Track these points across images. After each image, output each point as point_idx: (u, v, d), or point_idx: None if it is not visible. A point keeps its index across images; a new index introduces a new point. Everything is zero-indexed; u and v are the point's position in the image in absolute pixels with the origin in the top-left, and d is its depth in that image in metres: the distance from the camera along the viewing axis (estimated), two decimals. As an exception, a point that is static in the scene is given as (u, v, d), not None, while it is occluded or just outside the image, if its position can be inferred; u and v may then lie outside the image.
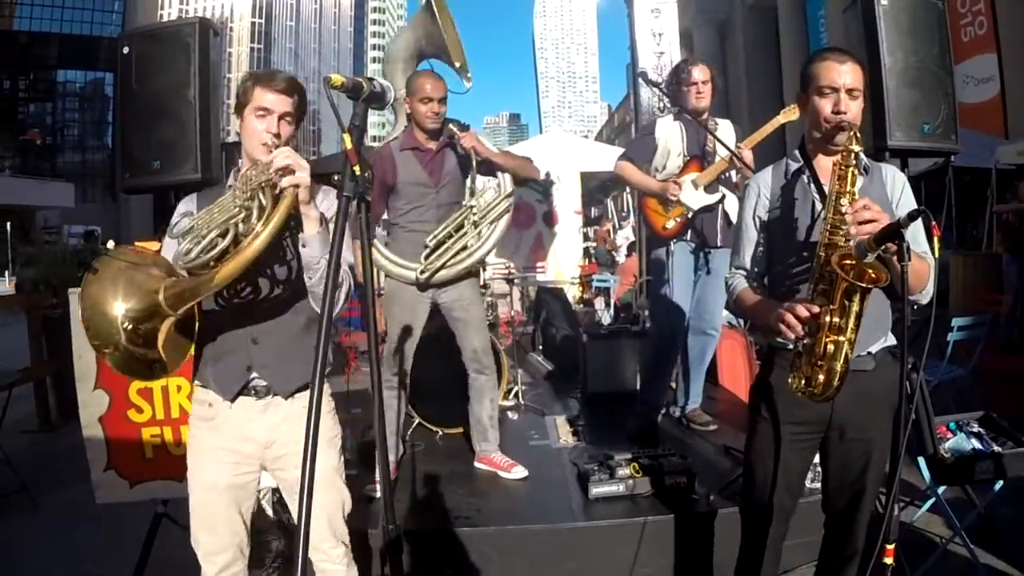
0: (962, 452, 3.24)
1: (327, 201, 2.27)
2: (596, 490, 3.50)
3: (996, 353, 6.31)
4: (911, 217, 1.93)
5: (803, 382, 2.17)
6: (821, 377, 2.11)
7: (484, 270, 7.72)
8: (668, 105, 4.48)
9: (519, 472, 3.86)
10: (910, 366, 2.12)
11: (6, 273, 25.80)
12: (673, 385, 4.98)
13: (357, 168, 1.71)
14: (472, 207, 3.70)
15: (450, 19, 4.42)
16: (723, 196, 4.33)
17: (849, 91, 2.26)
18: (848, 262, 2.01)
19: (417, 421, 4.62)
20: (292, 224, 2.21)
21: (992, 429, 3.40)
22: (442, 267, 3.66)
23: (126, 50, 3.74)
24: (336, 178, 1.73)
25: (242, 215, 2.01)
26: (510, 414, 5.15)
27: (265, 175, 2.01)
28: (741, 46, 32.73)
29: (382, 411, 2.04)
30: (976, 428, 3.40)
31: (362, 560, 3.16)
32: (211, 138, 3.65)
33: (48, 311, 6.54)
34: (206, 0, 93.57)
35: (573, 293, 10.84)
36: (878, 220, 1.99)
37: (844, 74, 2.26)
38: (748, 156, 4.11)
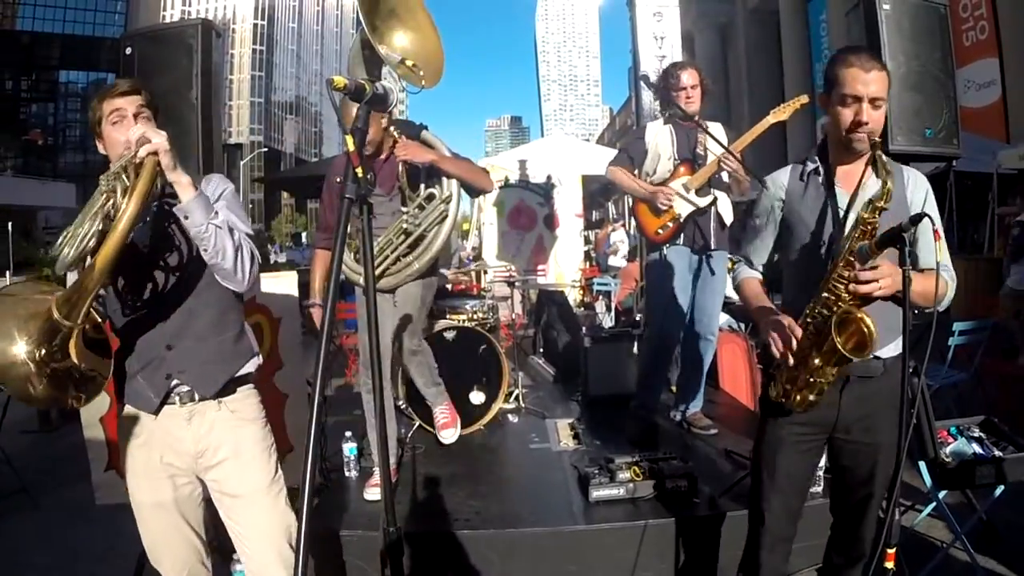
0: (963, 456, 3.24)
1: (211, 186, 2.25)
2: (596, 493, 3.50)
3: (997, 358, 6.31)
4: (913, 221, 1.93)
5: (780, 393, 2.26)
6: (797, 397, 2.22)
7: (485, 273, 7.74)
8: (673, 114, 4.48)
9: (447, 435, 4.07)
10: (911, 370, 2.12)
11: (7, 273, 25.82)
12: (673, 389, 4.98)
13: (359, 170, 1.71)
14: (406, 213, 3.55)
15: (425, 17, 4.33)
16: (715, 198, 4.34)
17: (872, 100, 2.22)
18: (846, 314, 2.07)
19: (417, 423, 4.62)
20: (168, 206, 2.16)
21: (993, 434, 3.40)
22: (382, 276, 3.57)
23: (128, 51, 3.74)
24: (338, 180, 1.73)
25: (110, 201, 1.97)
26: (511, 417, 5.15)
27: (124, 158, 1.98)
28: (742, 49, 32.79)
29: (383, 412, 2.03)
30: (977, 432, 3.40)
31: (360, 562, 3.19)
32: (213, 139, 3.65)
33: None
34: (208, 1, 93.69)
35: (574, 296, 10.84)
36: (880, 288, 2.05)
37: (869, 83, 2.21)
38: (736, 159, 4.10)
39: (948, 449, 3.27)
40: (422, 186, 3.58)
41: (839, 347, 2.02)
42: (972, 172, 11.13)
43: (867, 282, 2.05)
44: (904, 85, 3.63)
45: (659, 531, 3.27)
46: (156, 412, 2.22)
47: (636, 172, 4.48)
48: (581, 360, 5.56)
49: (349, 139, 1.73)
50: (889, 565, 2.02)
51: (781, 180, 2.52)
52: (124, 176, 1.96)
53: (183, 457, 2.26)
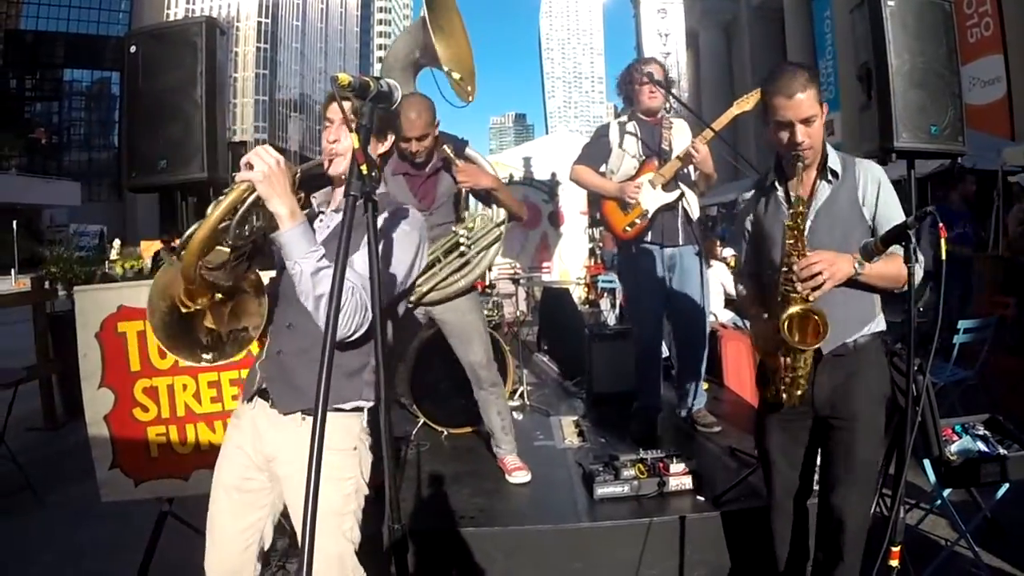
0: (968, 454, 3.23)
1: (383, 222, 2.21)
2: (601, 491, 3.50)
3: (1002, 355, 6.29)
4: (918, 219, 1.93)
5: (774, 394, 2.50)
6: (785, 395, 2.46)
7: (490, 270, 7.74)
8: (674, 106, 4.48)
9: (519, 477, 3.85)
10: (916, 368, 2.13)
11: (12, 271, 25.83)
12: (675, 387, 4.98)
13: (364, 167, 1.71)
14: (461, 234, 3.63)
15: (460, 27, 4.32)
16: (682, 193, 4.34)
17: (804, 120, 2.36)
18: (796, 312, 2.28)
19: (422, 421, 4.63)
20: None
21: (998, 432, 3.39)
22: (429, 291, 3.62)
23: (133, 49, 3.74)
24: (343, 177, 1.73)
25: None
26: (515, 414, 5.13)
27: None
28: (747, 46, 32.71)
29: (388, 411, 2.03)
30: (982, 431, 3.39)
31: (364, 559, 3.19)
32: (217, 137, 3.65)
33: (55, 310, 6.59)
34: (212, 0, 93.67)
35: (579, 293, 10.83)
36: (826, 275, 2.24)
37: (792, 108, 2.36)
38: (704, 151, 4.10)
39: (953, 447, 3.27)
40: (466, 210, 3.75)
41: (793, 345, 2.30)
42: (977, 169, 11.08)
43: (812, 276, 2.26)
44: (909, 82, 3.62)
45: (664, 529, 3.27)
46: (249, 400, 2.31)
47: (601, 170, 4.49)
48: (586, 357, 5.56)
49: (354, 137, 1.73)
50: (894, 563, 2.02)
51: (750, 191, 2.71)
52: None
53: (258, 452, 2.28)
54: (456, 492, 3.72)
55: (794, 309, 2.29)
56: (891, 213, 2.38)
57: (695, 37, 35.08)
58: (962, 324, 4.96)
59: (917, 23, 3.66)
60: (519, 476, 3.85)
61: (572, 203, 11.82)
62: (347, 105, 1.94)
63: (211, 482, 2.34)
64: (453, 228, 3.69)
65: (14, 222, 29.58)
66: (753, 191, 2.68)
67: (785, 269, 2.34)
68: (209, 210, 1.99)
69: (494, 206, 3.76)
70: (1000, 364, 5.92)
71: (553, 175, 11.58)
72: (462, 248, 3.62)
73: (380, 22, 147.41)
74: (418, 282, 3.53)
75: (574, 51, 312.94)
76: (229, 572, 2.30)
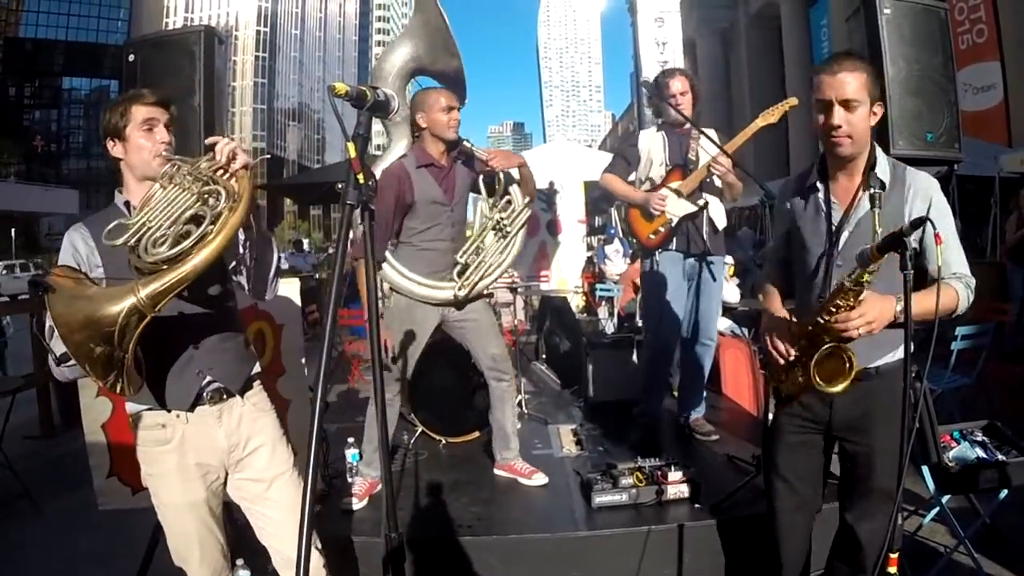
0: (966, 461, 3.24)
1: None
2: (599, 499, 3.49)
3: (1000, 361, 6.29)
4: (914, 226, 1.93)
5: (775, 379, 2.50)
6: (785, 389, 2.45)
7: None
8: (672, 116, 4.51)
9: (539, 479, 3.87)
10: (913, 375, 2.12)
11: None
12: (675, 394, 4.98)
13: (361, 176, 1.71)
14: (500, 218, 3.72)
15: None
16: (706, 203, 4.36)
17: (844, 103, 2.22)
18: (826, 350, 2.18)
19: (420, 430, 4.62)
20: None
21: (996, 438, 3.39)
22: (480, 280, 3.66)
23: (132, 58, 3.76)
24: (339, 187, 1.73)
25: (198, 203, 1.99)
26: (513, 422, 5.14)
27: (216, 164, 2.07)
28: (744, 55, 32.84)
29: (384, 418, 2.03)
30: (980, 437, 3.39)
31: (361, 568, 3.19)
32: (215, 145, 3.66)
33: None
34: (211, 8, 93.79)
35: (576, 302, 10.83)
36: (866, 330, 2.13)
37: (834, 86, 2.23)
38: (726, 161, 4.11)
39: (951, 453, 3.27)
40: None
41: (814, 380, 2.19)
42: (974, 176, 11.10)
43: (853, 327, 2.12)
44: (905, 89, 3.64)
45: (662, 537, 3.26)
46: (191, 409, 2.26)
47: (631, 178, 4.52)
48: (583, 366, 5.56)
49: (351, 145, 1.73)
50: (892, 570, 2.01)
51: (790, 189, 2.60)
52: (217, 185, 2.01)
53: (216, 454, 2.31)
54: (454, 501, 3.71)
55: (826, 348, 2.17)
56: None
57: (692, 46, 35.19)
58: (960, 330, 4.96)
59: (913, 31, 3.68)
60: (538, 479, 3.88)
61: (570, 212, 11.84)
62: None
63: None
64: (486, 214, 3.79)
65: (12, 230, 29.58)
66: (794, 186, 2.57)
67: (829, 309, 2.16)
68: (224, 209, 1.97)
69: (512, 189, 3.83)
70: (999, 370, 5.92)
71: (551, 184, 11.59)
72: (505, 227, 3.71)
73: (379, 31, 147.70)
74: (466, 276, 3.64)
75: (572, 60, 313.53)
76: (219, 557, 2.39)
